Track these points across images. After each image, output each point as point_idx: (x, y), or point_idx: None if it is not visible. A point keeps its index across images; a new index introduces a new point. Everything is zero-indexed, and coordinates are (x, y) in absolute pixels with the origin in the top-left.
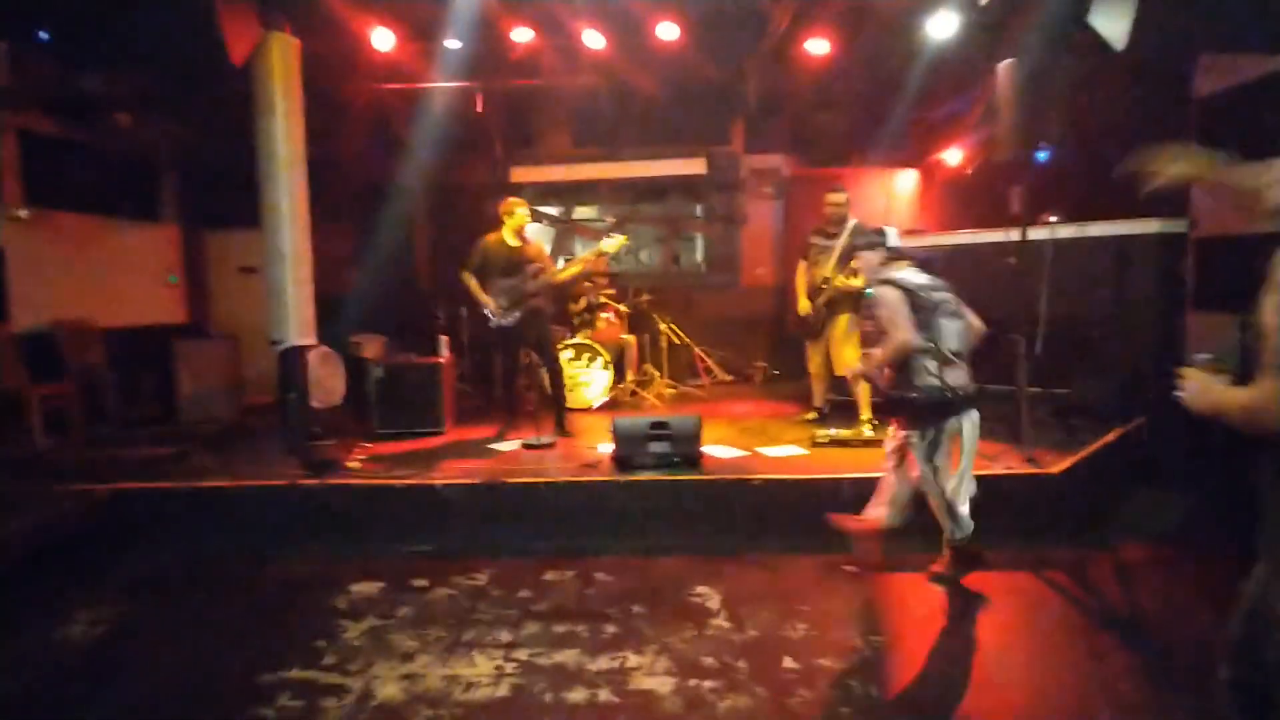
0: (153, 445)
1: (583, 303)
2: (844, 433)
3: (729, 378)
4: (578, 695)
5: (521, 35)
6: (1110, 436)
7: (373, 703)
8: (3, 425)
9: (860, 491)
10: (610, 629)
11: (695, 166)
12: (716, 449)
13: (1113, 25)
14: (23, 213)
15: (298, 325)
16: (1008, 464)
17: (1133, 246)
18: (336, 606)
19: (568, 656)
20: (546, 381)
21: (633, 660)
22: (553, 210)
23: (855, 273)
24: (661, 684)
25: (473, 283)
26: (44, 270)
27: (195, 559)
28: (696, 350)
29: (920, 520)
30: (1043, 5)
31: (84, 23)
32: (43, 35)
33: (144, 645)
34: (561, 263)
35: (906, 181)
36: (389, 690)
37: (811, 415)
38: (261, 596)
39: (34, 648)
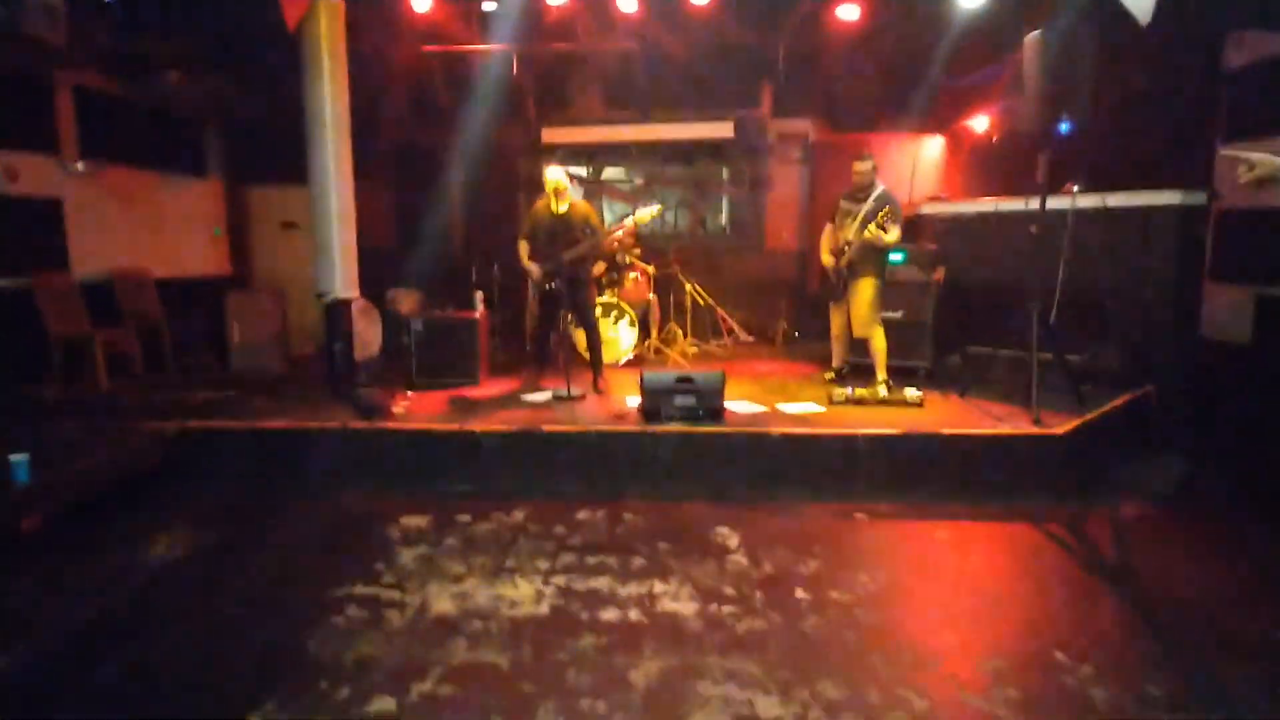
0: (209, 389)
1: (611, 263)
2: (860, 392)
3: (750, 338)
4: (610, 615)
5: None
6: (1118, 401)
7: (429, 615)
8: (69, 368)
9: (873, 448)
10: (638, 561)
11: (723, 130)
12: (738, 404)
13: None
14: (79, 166)
15: (343, 279)
16: (1016, 425)
17: (1153, 217)
18: (390, 536)
19: (600, 583)
20: (582, 341)
21: (659, 588)
22: (581, 170)
23: (882, 227)
24: (685, 608)
25: (522, 250)
26: (100, 222)
27: (257, 493)
28: (720, 311)
29: (934, 473)
30: None
31: None
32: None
33: (219, 567)
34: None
35: (933, 148)
36: (443, 605)
37: (830, 375)
38: (321, 526)
39: (119, 569)
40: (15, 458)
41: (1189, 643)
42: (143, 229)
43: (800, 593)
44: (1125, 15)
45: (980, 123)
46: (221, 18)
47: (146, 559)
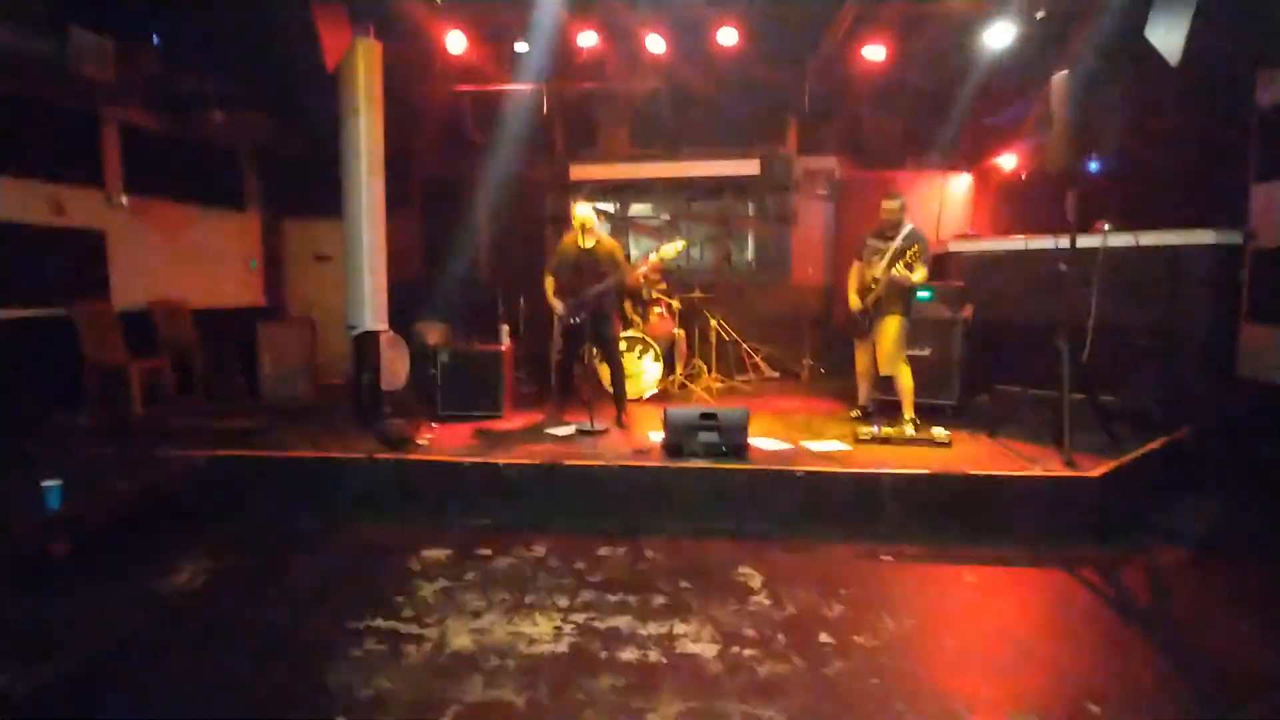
0: (239, 418)
1: (637, 298)
2: (887, 430)
3: (775, 374)
4: (630, 655)
5: (587, 39)
6: (1154, 444)
7: (448, 650)
8: (105, 395)
9: (899, 486)
10: (659, 600)
11: (749, 167)
12: (762, 441)
13: (1168, 39)
14: (124, 200)
15: (373, 311)
16: (1047, 466)
17: (1186, 257)
18: (411, 568)
19: (620, 622)
20: (605, 376)
21: (680, 628)
22: (609, 206)
23: (909, 267)
24: (706, 649)
25: (548, 285)
26: (141, 253)
27: (283, 522)
28: (745, 346)
29: (962, 515)
30: (1099, 18)
31: (186, 26)
32: (153, 38)
33: (241, 594)
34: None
35: (960, 185)
36: (461, 641)
37: (856, 413)
38: (343, 557)
39: (143, 595)
40: (47, 483)
41: (1227, 696)
42: (182, 260)
43: (824, 636)
44: (1154, 54)
45: (1008, 160)
46: (264, 58)
47: (170, 586)
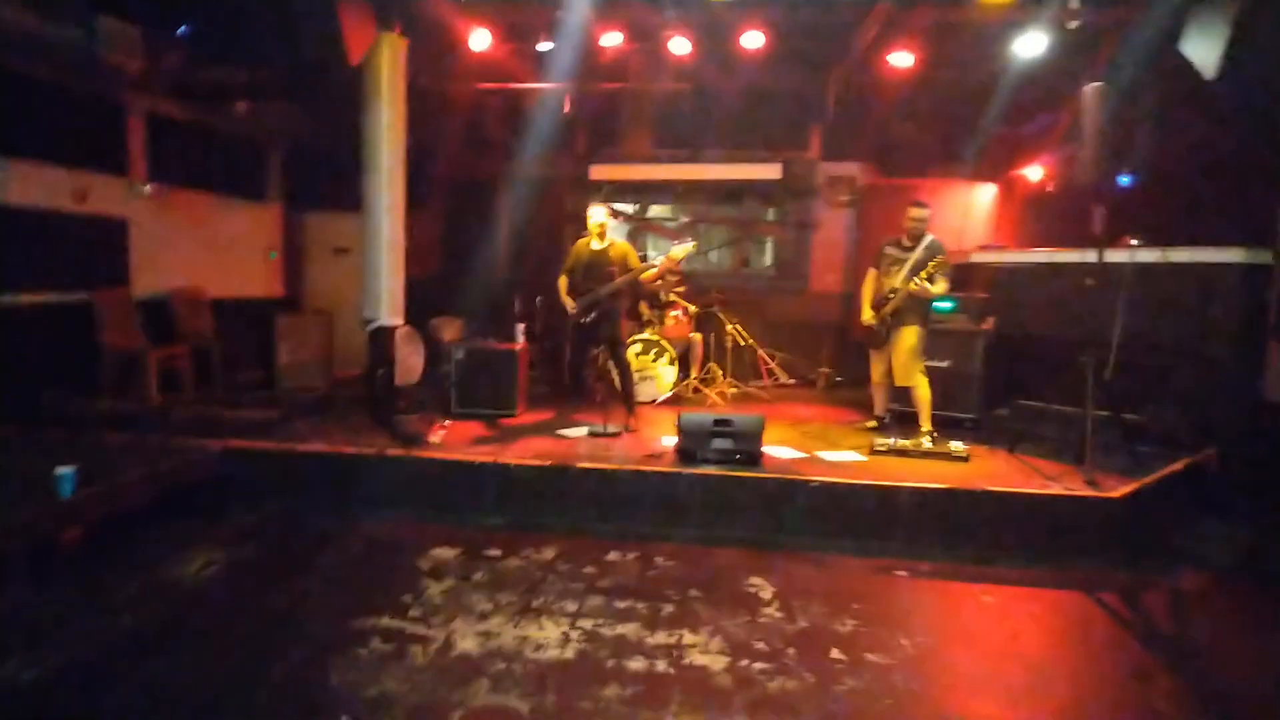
0: (255, 409)
1: (653, 301)
2: (903, 442)
3: (791, 381)
4: (637, 664)
5: (611, 40)
6: (1177, 465)
7: (453, 653)
8: (122, 381)
9: (915, 500)
10: (668, 608)
11: (771, 172)
12: (777, 449)
13: (1205, 53)
14: (147, 188)
15: (389, 306)
16: (1068, 484)
17: (1215, 275)
18: (419, 567)
19: (628, 629)
20: (616, 377)
21: (688, 638)
22: (628, 207)
23: (930, 280)
24: (714, 661)
25: (562, 285)
26: (162, 242)
27: (294, 515)
28: (761, 352)
29: (979, 531)
30: (1133, 30)
31: (214, 17)
32: (181, 30)
33: (251, 586)
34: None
35: (985, 195)
36: (467, 644)
37: (872, 424)
38: (353, 553)
39: (151, 586)
40: (61, 470)
41: None
42: (202, 250)
43: (836, 652)
44: (1189, 68)
45: (1035, 172)
46: (289, 50)
47: (179, 576)
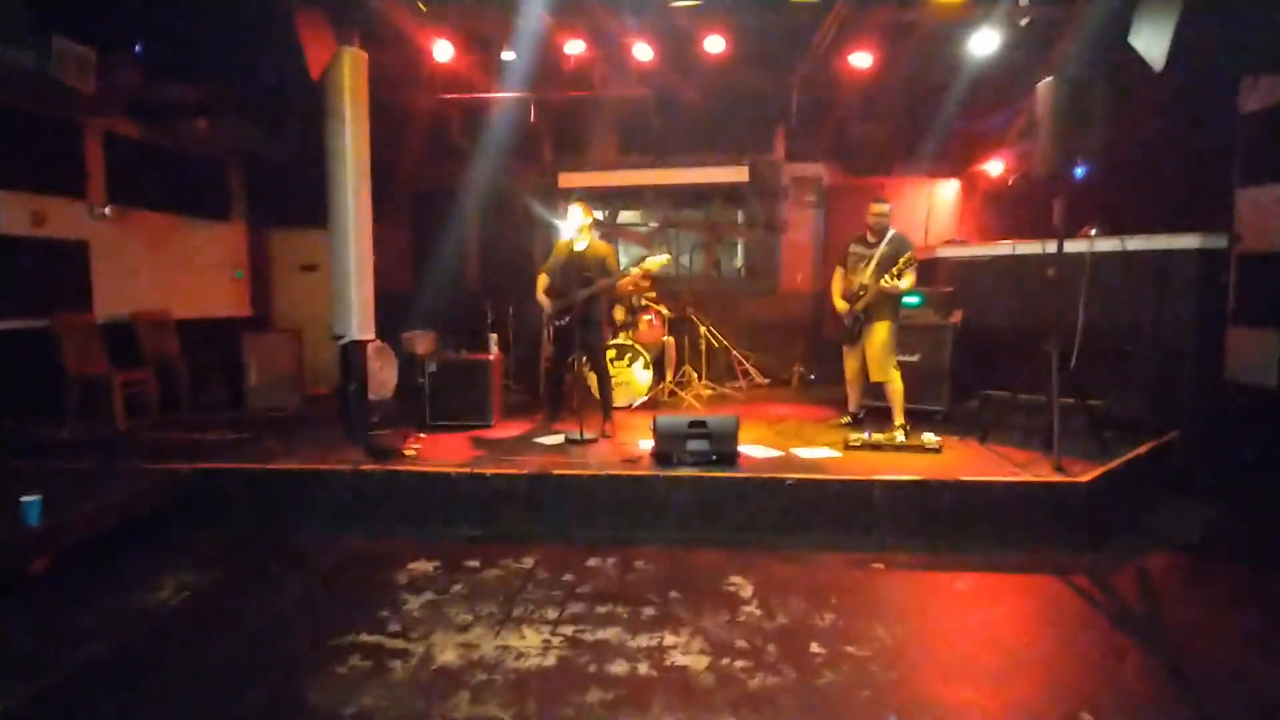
0: (224, 430)
1: (626, 305)
2: (877, 437)
3: (766, 381)
4: (619, 668)
5: (574, 48)
6: (1141, 449)
7: (433, 666)
8: (86, 407)
9: (890, 493)
10: (649, 611)
11: (738, 174)
12: (753, 449)
13: (1152, 46)
14: (106, 210)
15: (359, 321)
16: (1037, 471)
17: (1173, 261)
18: (397, 581)
19: (610, 634)
20: (593, 383)
21: (670, 640)
22: (597, 214)
23: (898, 276)
24: (696, 661)
25: (540, 283)
26: (124, 264)
27: (267, 535)
28: (735, 353)
29: (953, 521)
30: (1083, 25)
31: (169, 35)
32: (136, 48)
33: (225, 609)
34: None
35: (947, 191)
36: (448, 656)
37: (846, 420)
38: (329, 570)
39: (124, 610)
40: (27, 499)
41: (1219, 700)
42: (166, 271)
43: (815, 646)
44: (1140, 60)
45: (995, 166)
46: (247, 66)
47: (152, 601)
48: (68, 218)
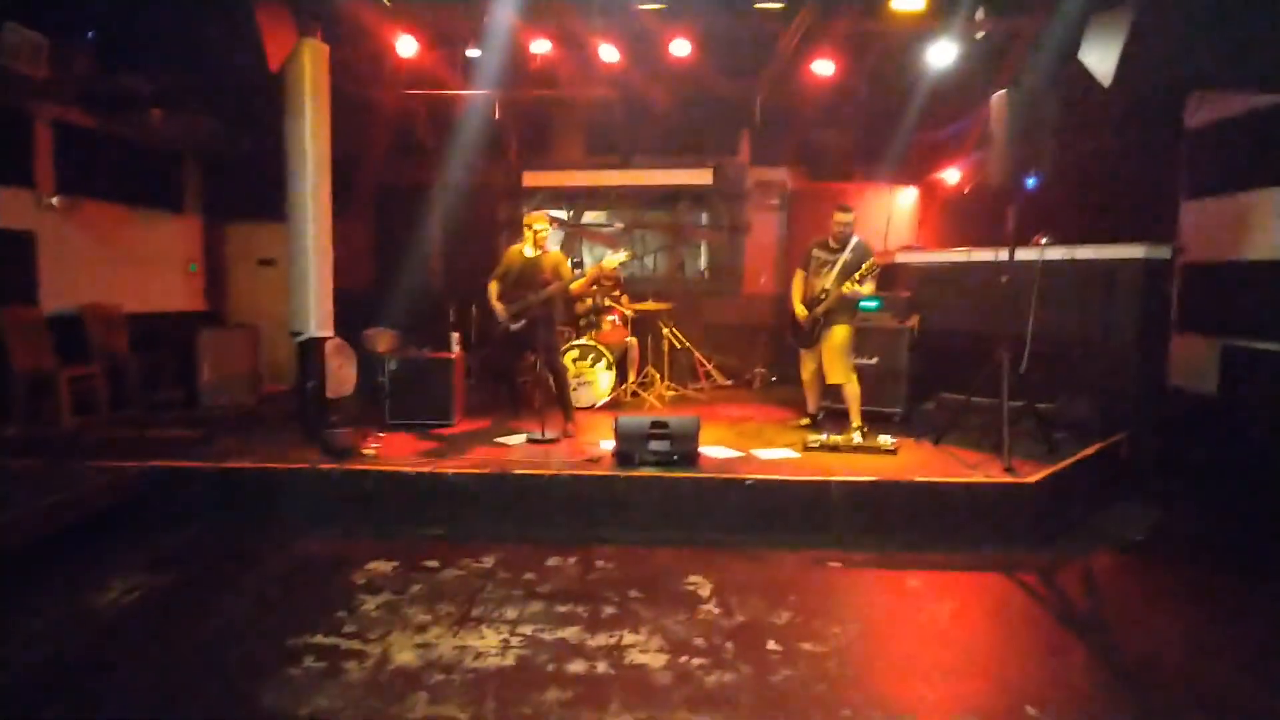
0: (176, 428)
1: (588, 303)
2: (835, 438)
3: (728, 382)
4: (577, 667)
5: (540, 47)
6: (1090, 450)
7: (390, 667)
8: (33, 404)
9: (847, 493)
10: (608, 610)
11: (703, 177)
12: (713, 449)
13: (1102, 62)
14: (54, 200)
15: (318, 317)
16: (987, 472)
17: (1119, 270)
18: (354, 582)
19: (569, 633)
20: (551, 383)
21: (628, 639)
22: (562, 214)
23: (859, 282)
24: (654, 660)
25: (492, 290)
26: (73, 256)
27: (221, 535)
28: (697, 355)
29: (907, 520)
30: (1036, 40)
31: (124, 23)
32: (89, 35)
33: (175, 612)
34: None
35: (907, 198)
36: (405, 656)
37: (805, 421)
38: (284, 571)
39: (69, 615)
40: None
41: (1160, 696)
42: (116, 264)
43: (772, 644)
44: (1089, 76)
45: (952, 175)
46: (203, 56)
47: (99, 604)
48: (14, 207)
